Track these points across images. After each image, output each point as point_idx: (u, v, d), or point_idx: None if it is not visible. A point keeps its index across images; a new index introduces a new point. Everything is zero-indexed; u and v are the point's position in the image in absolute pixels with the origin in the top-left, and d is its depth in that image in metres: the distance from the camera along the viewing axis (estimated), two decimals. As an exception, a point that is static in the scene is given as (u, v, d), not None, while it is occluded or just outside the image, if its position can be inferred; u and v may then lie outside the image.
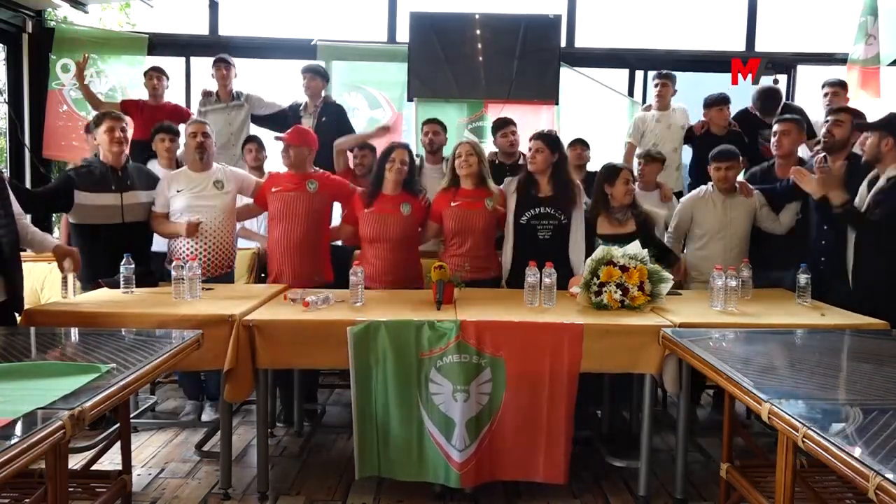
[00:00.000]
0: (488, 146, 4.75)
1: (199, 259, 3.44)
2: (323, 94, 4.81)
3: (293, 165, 3.64)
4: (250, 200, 3.82)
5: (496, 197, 3.57)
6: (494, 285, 3.57)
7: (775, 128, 3.80)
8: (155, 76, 4.76)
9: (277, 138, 3.79)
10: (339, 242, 3.96)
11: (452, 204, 3.53)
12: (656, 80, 4.88)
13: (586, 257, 3.12)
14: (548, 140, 3.51)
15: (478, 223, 3.52)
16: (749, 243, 3.71)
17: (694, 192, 3.85)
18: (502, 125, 4.51)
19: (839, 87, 4.73)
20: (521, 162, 4.24)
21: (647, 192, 4.18)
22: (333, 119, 4.67)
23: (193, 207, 3.53)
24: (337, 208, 3.88)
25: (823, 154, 3.46)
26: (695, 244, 3.78)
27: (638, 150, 4.52)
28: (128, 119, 3.69)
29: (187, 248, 3.52)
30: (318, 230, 3.65)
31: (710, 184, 3.78)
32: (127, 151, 3.59)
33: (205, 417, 3.81)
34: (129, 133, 3.61)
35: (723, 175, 3.66)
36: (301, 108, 4.76)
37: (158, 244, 3.84)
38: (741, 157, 3.79)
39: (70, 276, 2.94)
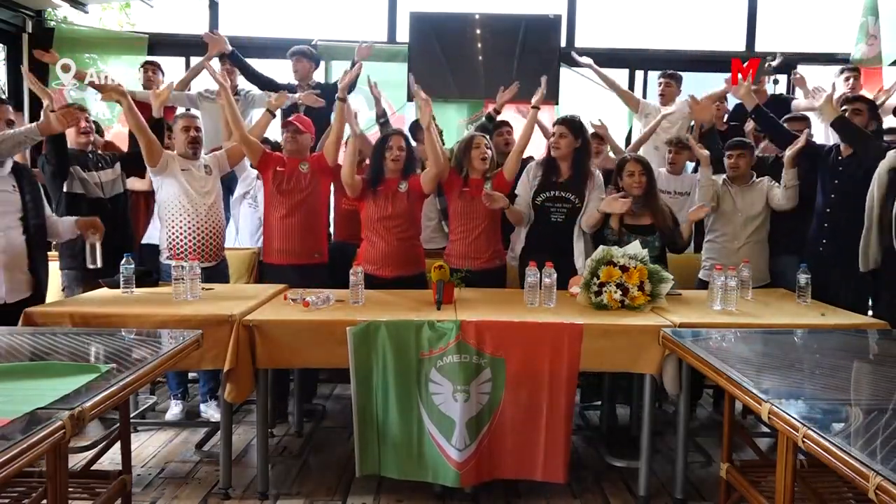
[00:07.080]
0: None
1: (199, 248, 3.54)
2: (314, 77, 4.82)
3: (297, 151, 3.71)
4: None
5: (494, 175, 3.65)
6: (500, 274, 3.67)
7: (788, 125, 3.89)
8: (150, 69, 4.85)
9: (289, 121, 3.76)
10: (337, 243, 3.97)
11: (464, 189, 3.63)
12: (661, 80, 4.89)
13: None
14: (571, 125, 3.57)
15: (483, 209, 3.56)
16: (767, 229, 3.77)
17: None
18: (499, 125, 4.49)
19: (856, 72, 4.82)
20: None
21: (674, 175, 4.34)
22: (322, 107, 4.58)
23: (190, 187, 3.58)
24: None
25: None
26: (713, 233, 3.83)
27: (667, 138, 4.54)
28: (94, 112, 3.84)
29: (187, 237, 3.54)
30: (313, 210, 3.73)
31: (723, 175, 3.84)
32: (92, 139, 3.75)
33: (209, 416, 3.81)
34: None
35: (734, 163, 3.77)
36: (294, 89, 4.71)
37: (151, 237, 3.83)
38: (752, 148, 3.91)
39: (97, 245, 3.11)
